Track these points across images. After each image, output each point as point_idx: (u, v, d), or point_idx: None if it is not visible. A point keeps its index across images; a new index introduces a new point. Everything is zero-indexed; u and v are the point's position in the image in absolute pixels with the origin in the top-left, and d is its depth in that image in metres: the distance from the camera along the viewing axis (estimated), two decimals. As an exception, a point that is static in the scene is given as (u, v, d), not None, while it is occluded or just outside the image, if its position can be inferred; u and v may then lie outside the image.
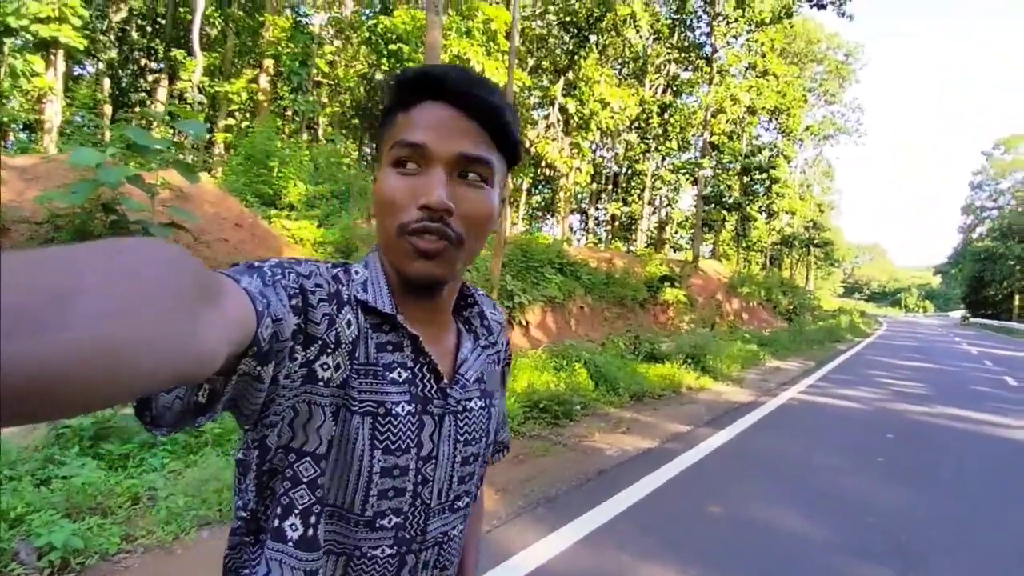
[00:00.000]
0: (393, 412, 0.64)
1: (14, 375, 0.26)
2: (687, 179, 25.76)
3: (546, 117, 19.94)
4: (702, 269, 24.48)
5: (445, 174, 0.64)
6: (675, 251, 30.96)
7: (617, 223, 27.23)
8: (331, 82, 18.57)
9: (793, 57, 34.51)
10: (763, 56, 25.62)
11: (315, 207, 9.95)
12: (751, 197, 28.34)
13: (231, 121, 17.86)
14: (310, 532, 0.61)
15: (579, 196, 26.99)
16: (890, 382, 10.57)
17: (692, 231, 26.98)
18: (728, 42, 23.92)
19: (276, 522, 0.61)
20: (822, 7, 21.06)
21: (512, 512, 3.46)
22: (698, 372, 9.06)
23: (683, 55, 23.82)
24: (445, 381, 0.69)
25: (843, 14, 20.69)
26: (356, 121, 18.34)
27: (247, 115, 18.48)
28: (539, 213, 26.51)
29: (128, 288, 0.31)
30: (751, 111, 27.14)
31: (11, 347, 0.26)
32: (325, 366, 0.59)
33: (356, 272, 0.68)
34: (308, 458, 0.61)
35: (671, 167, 26.33)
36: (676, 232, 32.68)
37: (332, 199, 10.59)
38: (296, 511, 0.61)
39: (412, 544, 0.67)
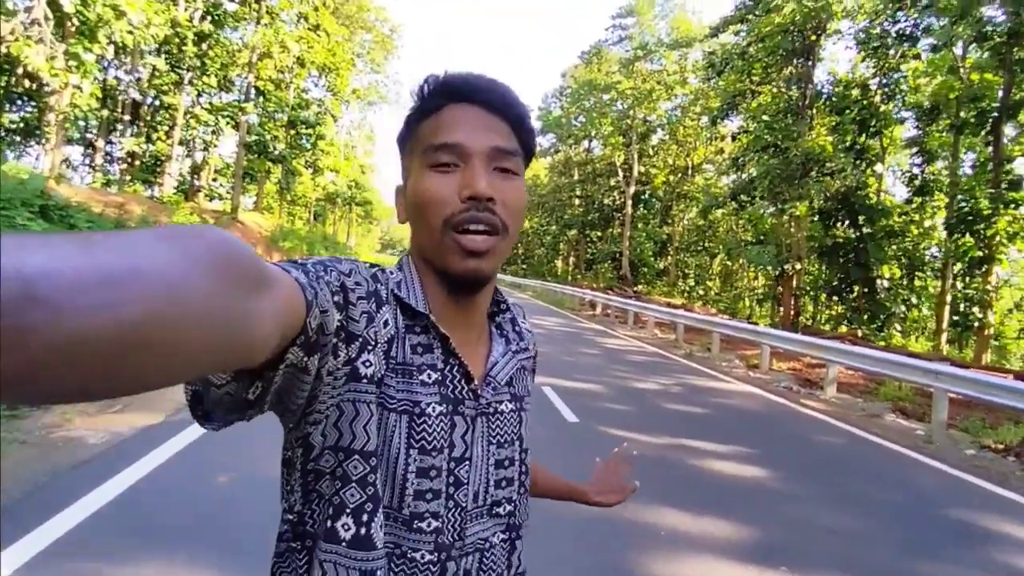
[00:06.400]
0: (427, 412, 0.65)
1: (75, 351, 0.26)
2: (228, 123, 23.72)
3: (28, 10, 15.03)
4: (241, 221, 23.34)
5: (483, 167, 0.66)
6: (212, 200, 28.38)
7: (138, 163, 22.92)
8: None
9: (345, 19, 35.48)
10: (316, 10, 25.43)
11: None
12: (297, 151, 28.22)
13: None
14: (362, 531, 0.61)
15: (83, 123, 21.52)
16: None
17: (233, 180, 25.17)
18: (282, -16, 22.80)
19: (329, 523, 0.61)
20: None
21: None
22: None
23: (229, -19, 21.51)
24: (476, 383, 0.69)
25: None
26: None
27: None
28: (17, 138, 19.93)
29: (185, 271, 0.32)
30: (300, 63, 26.76)
31: (71, 323, 0.26)
32: (367, 363, 0.60)
33: (392, 274, 0.69)
34: (357, 456, 0.61)
35: (209, 106, 23.75)
36: (215, 180, 29.80)
37: None
38: (348, 510, 0.61)
39: (451, 550, 0.66)
